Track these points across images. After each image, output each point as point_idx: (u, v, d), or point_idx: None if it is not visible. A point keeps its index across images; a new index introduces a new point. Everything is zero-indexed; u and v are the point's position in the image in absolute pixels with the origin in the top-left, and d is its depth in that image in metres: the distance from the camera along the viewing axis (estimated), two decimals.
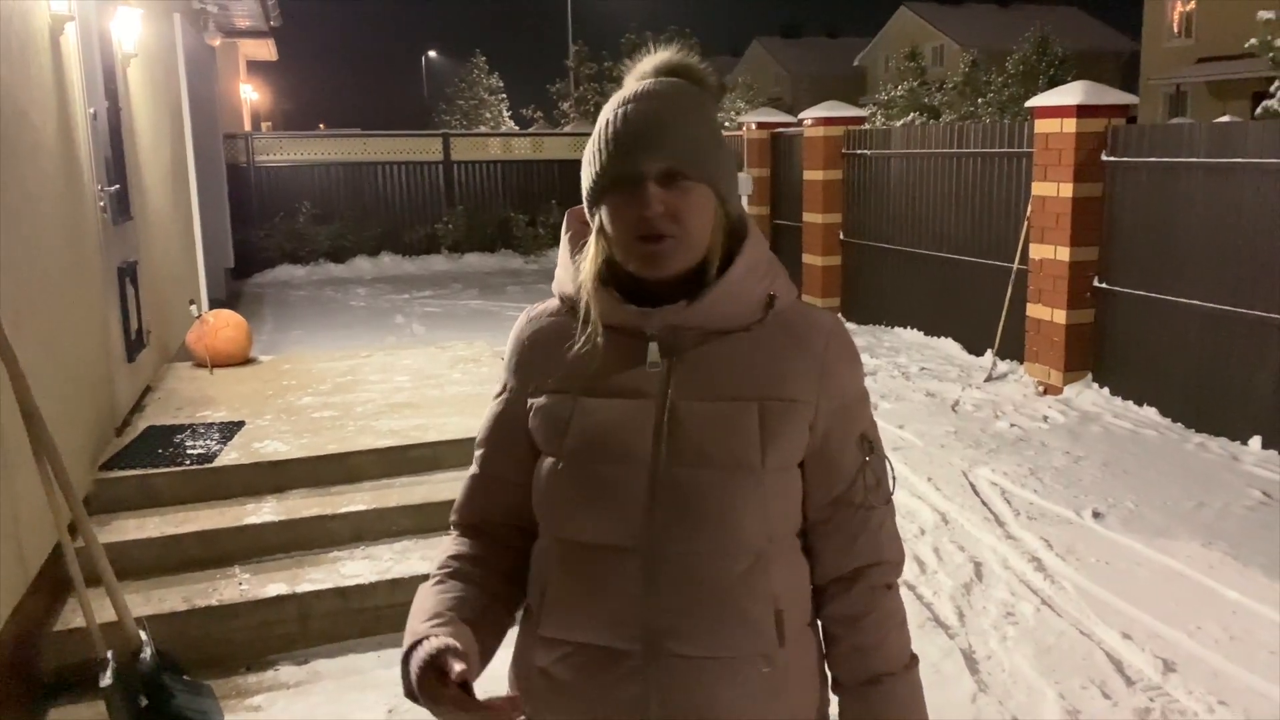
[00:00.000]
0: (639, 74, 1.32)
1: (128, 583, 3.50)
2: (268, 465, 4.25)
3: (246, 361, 6.06)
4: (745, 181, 11.00)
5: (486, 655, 1.33)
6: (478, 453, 1.44)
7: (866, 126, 10.39)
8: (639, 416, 1.27)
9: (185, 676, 3.33)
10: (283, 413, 4.97)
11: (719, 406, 1.27)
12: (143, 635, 3.23)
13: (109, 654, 3.13)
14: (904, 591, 3.94)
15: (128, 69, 5.74)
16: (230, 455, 4.28)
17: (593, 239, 1.31)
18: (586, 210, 1.32)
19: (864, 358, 8.24)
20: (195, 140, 8.25)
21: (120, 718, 3.09)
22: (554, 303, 1.39)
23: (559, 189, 15.41)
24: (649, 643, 1.26)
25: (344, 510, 4.06)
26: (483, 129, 27.05)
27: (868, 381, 7.52)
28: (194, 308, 6.19)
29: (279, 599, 3.65)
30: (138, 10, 5.72)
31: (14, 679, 3.13)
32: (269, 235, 14.06)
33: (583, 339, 1.31)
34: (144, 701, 3.13)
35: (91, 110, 4.68)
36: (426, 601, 1.33)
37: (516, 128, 27.28)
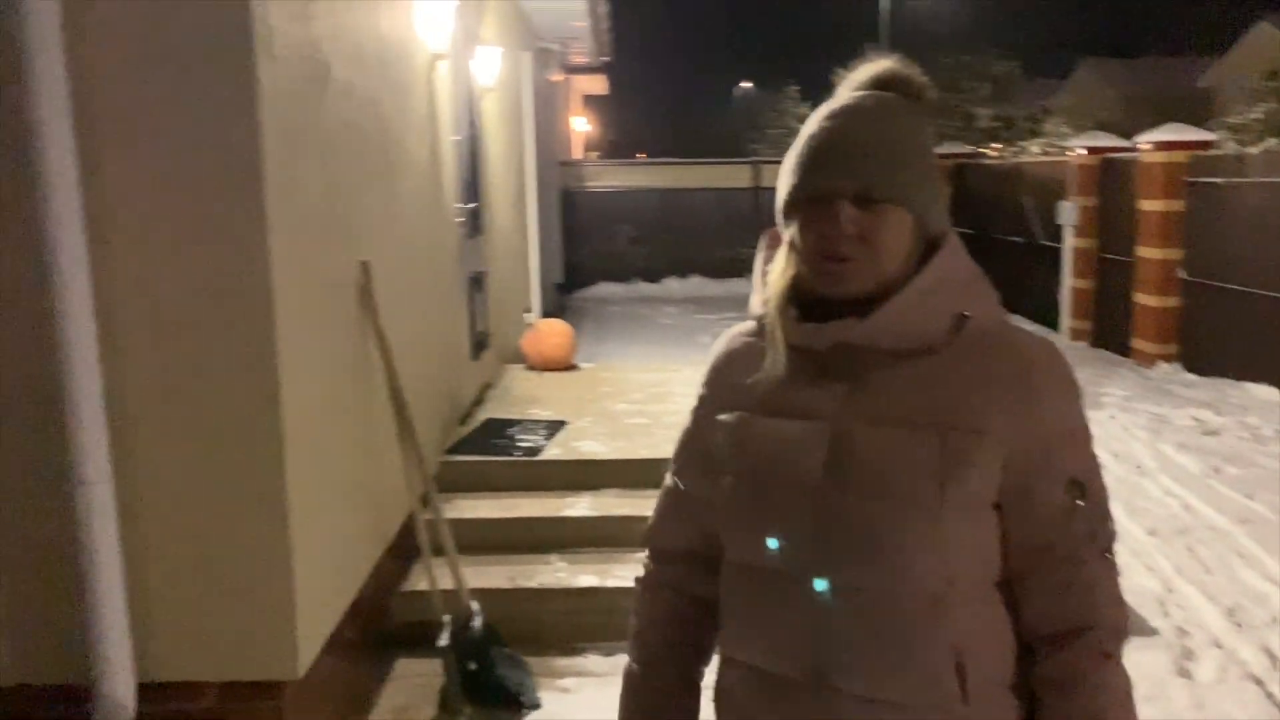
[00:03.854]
0: (852, 84, 1.28)
1: (461, 557, 3.90)
2: (585, 463, 4.58)
3: (570, 367, 6.55)
4: (1068, 210, 10.34)
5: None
6: (672, 467, 1.44)
7: (1216, 152, 9.45)
8: (811, 439, 1.22)
9: (506, 649, 3.66)
10: (600, 416, 5.32)
11: (895, 433, 1.19)
12: (474, 606, 3.59)
13: (447, 618, 3.51)
14: (1250, 686, 3.61)
15: (484, 101, 6.40)
16: (553, 451, 4.66)
17: (782, 253, 1.29)
18: (780, 223, 1.28)
19: (1205, 414, 7.38)
20: (536, 166, 9.02)
21: (452, 677, 3.45)
22: (751, 323, 1.36)
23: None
24: (816, 675, 1.21)
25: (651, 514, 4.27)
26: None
27: (1209, 441, 6.78)
28: (528, 316, 6.78)
29: (590, 590, 3.90)
30: (497, 49, 6.36)
31: (372, 628, 3.59)
32: (591, 255, 15.04)
33: (767, 357, 1.28)
34: (472, 666, 3.48)
35: (456, 137, 5.27)
36: (649, 704, 1.41)
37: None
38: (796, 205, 1.24)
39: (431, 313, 4.62)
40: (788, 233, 1.27)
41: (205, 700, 2.74)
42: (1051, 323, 10.90)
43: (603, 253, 15.13)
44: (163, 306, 2.58)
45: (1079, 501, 1.21)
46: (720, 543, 1.35)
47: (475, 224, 5.76)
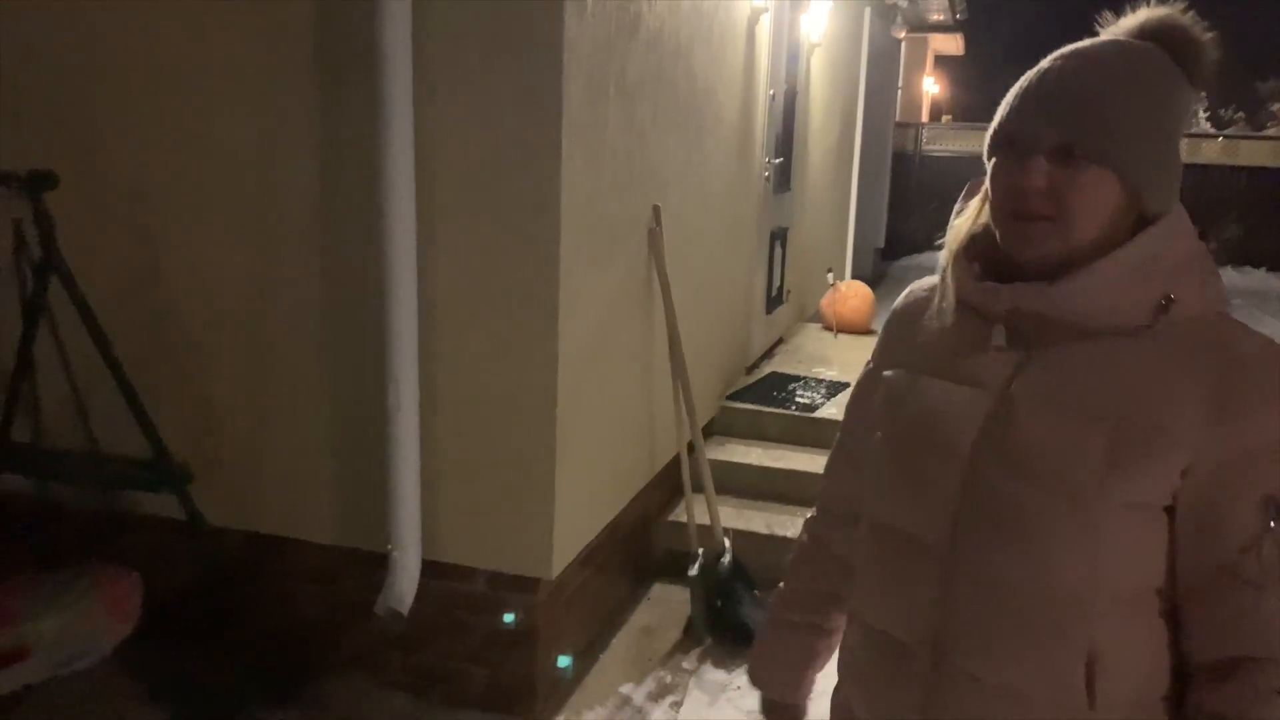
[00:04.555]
0: (1111, 30, 1.16)
1: (725, 498, 4.05)
2: None
3: (867, 331, 6.46)
4: None
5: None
6: (844, 419, 1.42)
7: None
8: (971, 407, 1.15)
9: (756, 591, 3.77)
10: None
11: (1062, 416, 1.09)
12: (726, 543, 3.74)
13: (699, 551, 3.68)
14: None
15: (810, 57, 6.39)
16: (829, 410, 4.68)
17: (977, 199, 1.21)
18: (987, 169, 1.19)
19: None
20: (865, 126, 8.88)
21: (698, 607, 3.63)
22: (935, 278, 1.29)
23: (1248, 200, 13.51)
24: (935, 649, 1.16)
25: None
26: None
27: None
28: (830, 276, 6.75)
29: None
30: (828, 4, 6.31)
31: (633, 548, 3.84)
32: (922, 222, 14.54)
33: (937, 313, 1.22)
34: (718, 602, 3.63)
35: (771, 92, 5.33)
36: (779, 644, 1.50)
37: (1211, 129, 24.54)
38: (993, 151, 1.15)
39: (724, 262, 4.76)
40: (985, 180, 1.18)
41: (475, 584, 3.09)
42: None
43: (936, 221, 14.36)
44: (468, 229, 2.89)
45: (1274, 524, 1.06)
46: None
47: (783, 179, 5.82)
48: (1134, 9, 1.17)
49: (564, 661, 3.22)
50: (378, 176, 2.75)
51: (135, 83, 3.07)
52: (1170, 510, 1.09)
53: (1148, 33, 1.14)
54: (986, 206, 1.18)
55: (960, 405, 1.16)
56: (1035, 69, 1.13)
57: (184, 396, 3.20)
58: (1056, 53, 1.13)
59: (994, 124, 1.15)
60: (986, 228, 1.19)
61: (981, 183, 1.22)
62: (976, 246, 1.21)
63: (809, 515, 1.50)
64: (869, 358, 1.39)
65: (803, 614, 1.46)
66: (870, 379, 1.35)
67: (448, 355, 2.96)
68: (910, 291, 1.35)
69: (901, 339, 1.31)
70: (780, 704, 1.50)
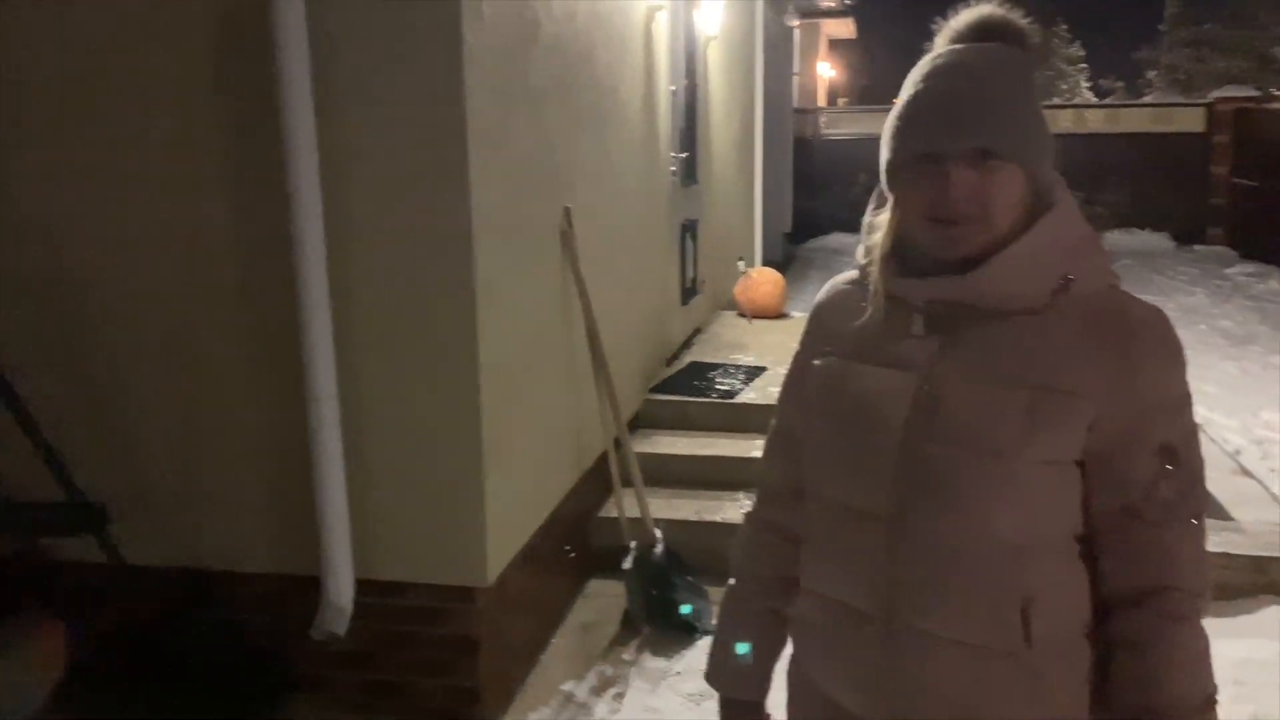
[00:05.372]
0: (951, 33, 1.26)
1: (655, 489, 4.11)
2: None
3: (780, 316, 6.61)
4: None
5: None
6: (778, 407, 1.50)
7: None
8: (901, 388, 1.25)
9: (689, 577, 3.84)
10: None
11: (986, 389, 1.21)
12: (657, 534, 3.80)
13: (632, 544, 3.74)
14: None
15: (707, 50, 6.48)
16: (749, 395, 4.79)
17: (888, 212, 1.30)
18: (885, 184, 1.29)
19: None
20: (765, 114, 9.02)
21: (634, 599, 3.69)
22: (854, 272, 1.40)
23: (1130, 165, 14.10)
24: (889, 610, 1.26)
25: None
26: (1056, 101, 25.68)
27: None
28: (741, 264, 6.88)
29: None
30: None
31: (568, 544, 3.87)
32: (827, 204, 14.84)
33: (868, 308, 1.31)
34: (654, 592, 3.69)
35: (672, 88, 5.40)
36: (737, 637, 1.51)
37: (1094, 99, 25.52)
38: (902, 168, 1.24)
39: (638, 258, 4.82)
40: (894, 193, 1.28)
41: (412, 599, 3.08)
42: None
43: (838, 202, 14.87)
44: (381, 244, 2.88)
45: (1168, 467, 1.21)
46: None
47: (690, 172, 5.90)
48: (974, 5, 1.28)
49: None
50: (287, 200, 2.72)
51: (40, 116, 2.98)
52: (1081, 464, 1.22)
53: (984, 31, 1.25)
54: (898, 217, 1.29)
55: (891, 387, 1.27)
56: (919, 89, 1.23)
57: (107, 435, 3.11)
58: (930, 69, 1.24)
59: (896, 143, 1.24)
60: (901, 233, 1.30)
61: (886, 198, 1.32)
62: (896, 246, 1.31)
63: (747, 510, 1.57)
64: (798, 348, 1.47)
65: (760, 601, 1.49)
66: (800, 368, 1.44)
67: (369, 373, 2.95)
68: (832, 284, 1.45)
69: (827, 329, 1.40)
70: (742, 702, 1.53)
